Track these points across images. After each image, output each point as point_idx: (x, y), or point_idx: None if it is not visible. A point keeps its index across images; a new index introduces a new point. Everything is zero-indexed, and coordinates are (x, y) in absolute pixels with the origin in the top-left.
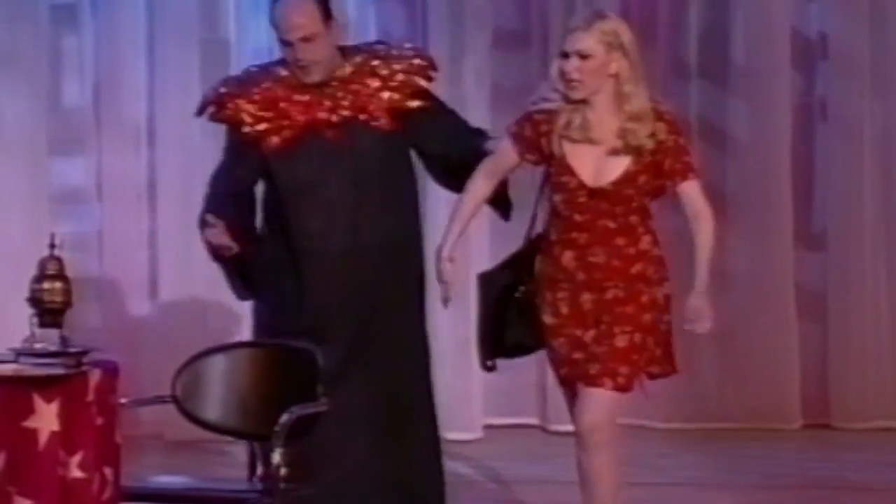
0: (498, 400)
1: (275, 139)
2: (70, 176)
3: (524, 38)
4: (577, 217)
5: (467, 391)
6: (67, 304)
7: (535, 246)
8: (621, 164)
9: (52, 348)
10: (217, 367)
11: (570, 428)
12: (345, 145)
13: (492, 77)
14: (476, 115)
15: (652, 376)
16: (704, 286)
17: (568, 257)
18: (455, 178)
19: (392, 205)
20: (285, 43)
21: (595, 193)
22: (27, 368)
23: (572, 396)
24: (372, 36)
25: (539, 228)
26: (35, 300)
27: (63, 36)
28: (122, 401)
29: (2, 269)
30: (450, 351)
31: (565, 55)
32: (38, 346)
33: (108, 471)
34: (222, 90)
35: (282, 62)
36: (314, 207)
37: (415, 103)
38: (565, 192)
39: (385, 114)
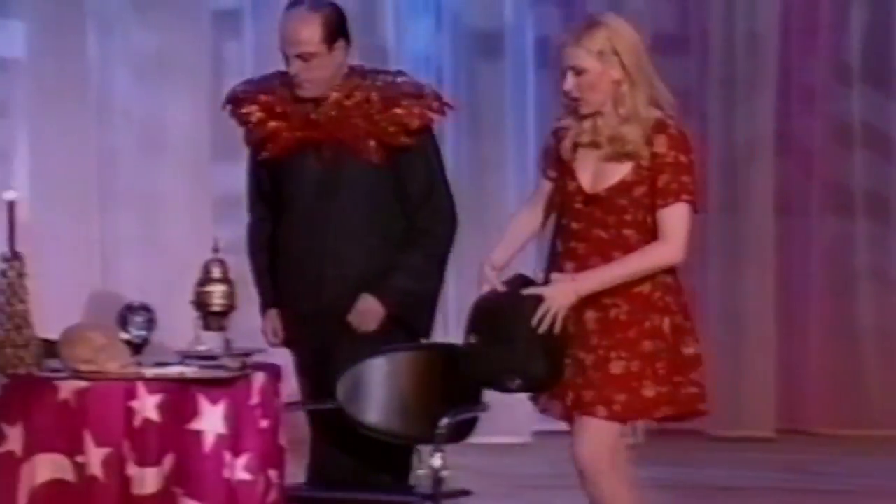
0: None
1: (273, 147)
2: (232, 181)
3: (683, 42)
4: (574, 225)
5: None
6: (231, 307)
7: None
8: (620, 172)
9: (217, 351)
10: (379, 370)
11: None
12: (334, 171)
13: None
14: None
15: (665, 419)
16: (581, 284)
17: (569, 269)
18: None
19: (373, 237)
20: (285, 56)
21: (591, 200)
22: (192, 371)
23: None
24: (528, 41)
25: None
26: (199, 303)
27: (225, 41)
28: (287, 402)
29: (166, 272)
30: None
31: (563, 72)
32: (202, 348)
33: (272, 473)
34: (239, 89)
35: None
36: (296, 226)
37: (401, 141)
38: (565, 196)
39: (375, 148)
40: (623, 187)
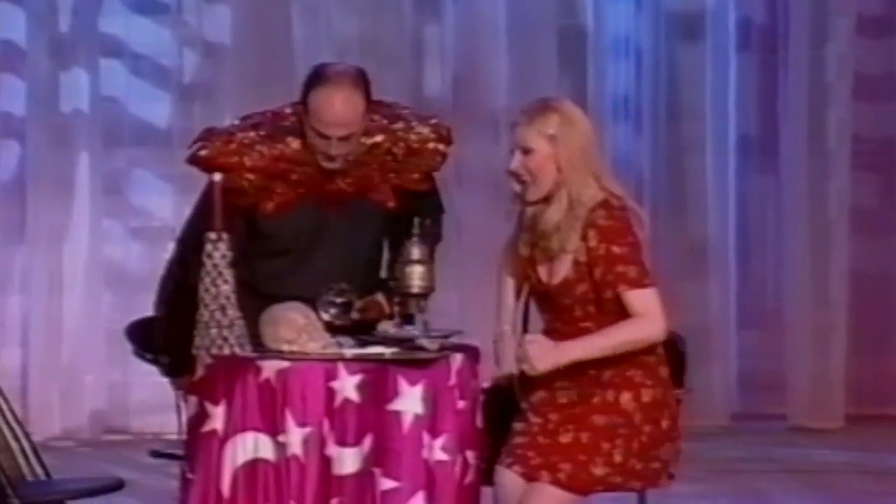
0: (861, 389)
1: (270, 204)
2: None
3: (889, 23)
4: (543, 316)
5: (828, 379)
6: (430, 288)
7: None
8: (563, 269)
9: (416, 332)
10: None
11: None
12: (343, 219)
13: (855, 65)
14: (839, 105)
15: (639, 489)
16: (563, 354)
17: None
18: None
19: (369, 277)
20: (319, 133)
21: (549, 292)
22: (391, 352)
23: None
24: (730, 22)
25: None
26: (398, 284)
27: (425, 24)
28: (484, 385)
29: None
30: (809, 338)
31: (512, 151)
32: (401, 329)
33: (469, 454)
34: (216, 145)
35: (292, 130)
36: (296, 274)
37: (423, 186)
38: (531, 290)
39: (391, 194)
40: (566, 286)
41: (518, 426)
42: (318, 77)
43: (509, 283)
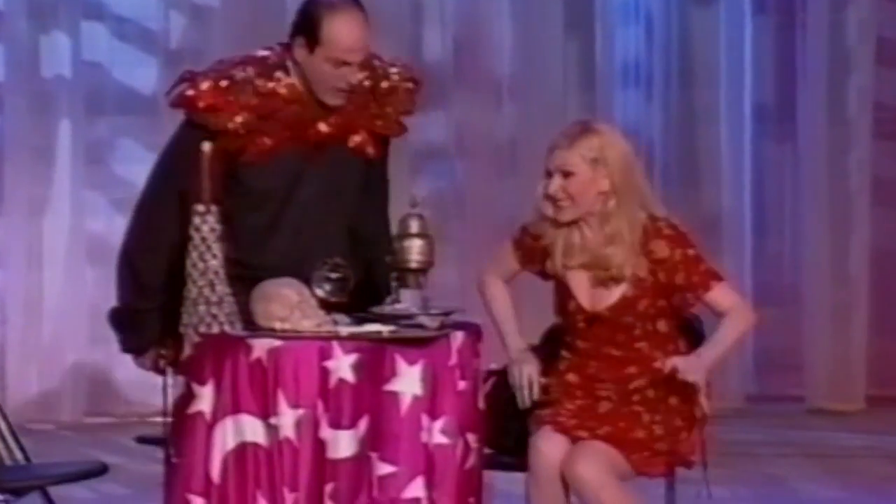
0: (883, 370)
1: (254, 150)
2: (429, 132)
3: None
4: (580, 343)
5: (848, 359)
6: (429, 263)
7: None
8: (619, 289)
9: (414, 309)
10: None
11: None
12: (322, 167)
13: (878, 29)
14: (860, 71)
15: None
16: (706, 359)
17: (573, 379)
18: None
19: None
20: (338, 62)
21: (593, 319)
22: (389, 330)
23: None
24: None
25: None
26: (396, 259)
27: None
28: (493, 367)
29: None
30: (828, 316)
31: (549, 174)
32: (399, 306)
33: (471, 437)
34: (205, 85)
35: (280, 66)
36: (274, 231)
37: (397, 131)
38: (565, 316)
39: (370, 138)
40: (626, 304)
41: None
42: (327, 6)
43: (504, 293)
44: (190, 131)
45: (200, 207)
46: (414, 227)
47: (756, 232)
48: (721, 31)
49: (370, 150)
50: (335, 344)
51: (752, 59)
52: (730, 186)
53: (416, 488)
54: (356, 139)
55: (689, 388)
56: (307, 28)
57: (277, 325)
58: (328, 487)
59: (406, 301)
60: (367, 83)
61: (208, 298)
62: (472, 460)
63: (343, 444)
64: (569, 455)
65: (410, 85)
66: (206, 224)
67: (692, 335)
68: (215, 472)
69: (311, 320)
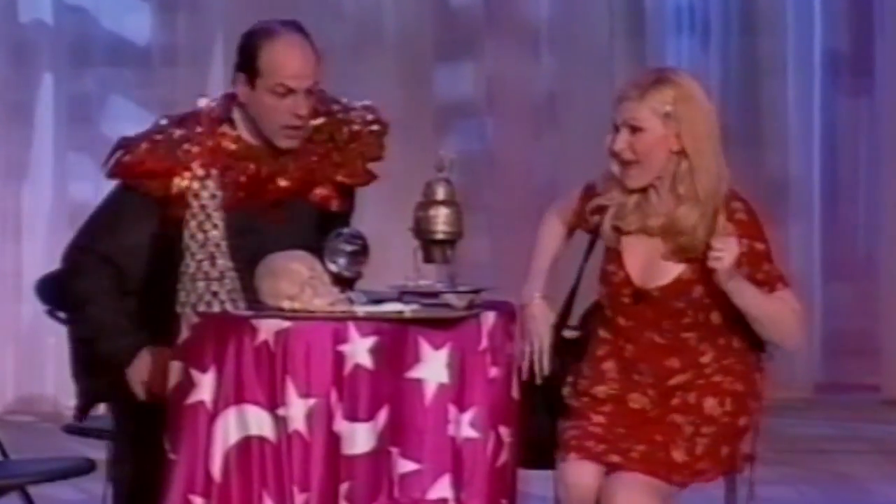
0: None
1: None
2: (457, 85)
3: None
4: (621, 321)
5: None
6: (458, 234)
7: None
8: (675, 269)
9: (440, 286)
10: None
11: None
12: (280, 224)
13: None
14: None
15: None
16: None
17: (609, 367)
18: None
19: None
20: (282, 91)
21: (640, 296)
22: (412, 310)
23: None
24: None
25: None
26: (420, 230)
27: None
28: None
29: (381, 193)
30: None
31: (616, 128)
32: (423, 283)
33: (503, 430)
34: (143, 148)
35: (224, 120)
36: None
37: (363, 180)
38: (609, 286)
39: (335, 191)
40: (678, 287)
41: (568, 423)
42: (264, 34)
43: (558, 236)
44: (126, 194)
45: (200, 171)
46: (440, 193)
47: (826, 198)
48: None
49: (335, 203)
50: (351, 325)
51: (822, 2)
52: (797, 147)
53: (442, 488)
54: (319, 192)
55: (732, 391)
56: (246, 61)
57: (286, 305)
58: (343, 487)
59: (431, 277)
60: (328, 129)
61: (208, 274)
62: (504, 456)
63: (360, 438)
64: (605, 489)
65: (376, 127)
66: (206, 189)
67: (749, 333)
68: (216, 469)
69: (323, 298)
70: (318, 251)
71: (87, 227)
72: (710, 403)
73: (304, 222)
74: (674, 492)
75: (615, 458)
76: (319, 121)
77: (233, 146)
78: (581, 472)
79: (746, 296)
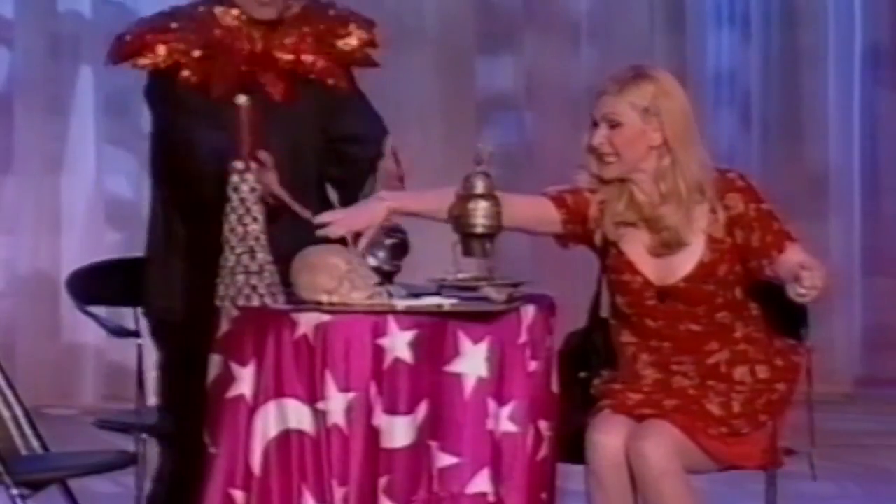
0: None
1: (216, 90)
2: (496, 79)
3: None
4: (651, 323)
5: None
6: (497, 227)
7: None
8: (693, 255)
9: (480, 280)
10: None
11: None
12: (289, 106)
13: None
14: None
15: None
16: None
17: (644, 361)
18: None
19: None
20: None
21: (667, 294)
22: (451, 304)
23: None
24: None
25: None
26: (458, 223)
27: None
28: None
29: (420, 185)
30: None
31: (595, 123)
32: (462, 276)
33: (543, 425)
34: (147, 34)
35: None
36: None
37: (359, 67)
38: (630, 295)
39: (333, 65)
40: (704, 271)
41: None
42: None
43: (545, 207)
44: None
45: (239, 164)
46: (479, 186)
47: (867, 192)
48: None
49: (337, 77)
50: (390, 319)
51: None
52: (838, 140)
53: (482, 482)
54: (319, 65)
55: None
56: None
57: (324, 299)
58: (382, 481)
59: (470, 270)
60: (312, 16)
61: (247, 267)
62: (544, 450)
63: (399, 432)
64: (634, 432)
65: (363, 34)
66: (246, 183)
67: (794, 306)
68: (255, 463)
69: (361, 291)
70: (328, 132)
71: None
72: (740, 371)
73: (312, 100)
74: (700, 464)
75: (648, 411)
76: (297, 9)
77: (234, 22)
78: (610, 429)
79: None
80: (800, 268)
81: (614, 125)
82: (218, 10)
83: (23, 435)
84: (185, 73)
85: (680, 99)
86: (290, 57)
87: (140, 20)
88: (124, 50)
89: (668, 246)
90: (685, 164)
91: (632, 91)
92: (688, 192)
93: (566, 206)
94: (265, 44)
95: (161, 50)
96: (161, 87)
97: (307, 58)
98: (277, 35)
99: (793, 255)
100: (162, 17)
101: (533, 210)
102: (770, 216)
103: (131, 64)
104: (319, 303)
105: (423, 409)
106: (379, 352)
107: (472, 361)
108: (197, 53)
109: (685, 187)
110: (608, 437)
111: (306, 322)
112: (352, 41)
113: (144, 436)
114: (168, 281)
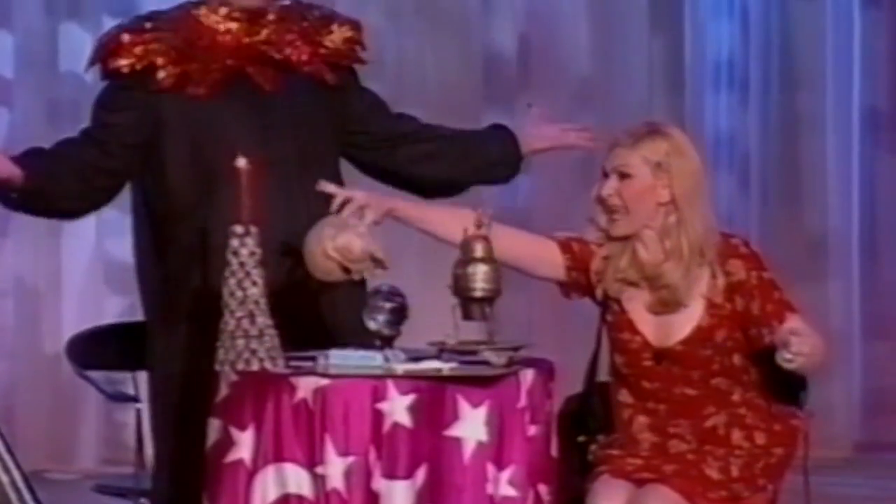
0: None
1: (198, 89)
2: None
3: None
4: (646, 384)
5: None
6: (496, 291)
7: (601, 391)
8: (691, 319)
9: (480, 344)
10: None
11: None
12: (283, 98)
13: None
14: None
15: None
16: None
17: (641, 424)
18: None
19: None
20: None
21: (663, 356)
22: (450, 368)
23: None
24: None
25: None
26: (458, 287)
27: None
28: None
29: (416, 250)
30: None
31: (605, 174)
32: (462, 340)
33: (542, 489)
34: (124, 34)
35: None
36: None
37: (346, 62)
38: (627, 355)
39: (323, 64)
40: (701, 335)
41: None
42: None
43: (550, 248)
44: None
45: (238, 229)
46: (478, 250)
47: (866, 256)
48: (827, 26)
49: (327, 75)
50: (389, 383)
51: (861, 59)
52: (836, 203)
53: None
54: (308, 68)
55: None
56: None
57: (328, 245)
58: None
59: (469, 334)
60: (297, 12)
61: (247, 332)
62: None
63: (398, 496)
64: (634, 497)
65: (349, 32)
66: (245, 247)
67: (764, 364)
68: None
69: (363, 238)
70: (320, 124)
71: None
72: (737, 435)
73: (303, 93)
74: None
75: (648, 475)
76: (286, 2)
77: (216, 20)
78: (612, 494)
79: (815, 344)
80: (789, 333)
81: (625, 177)
82: (198, 10)
83: (21, 500)
84: (161, 74)
85: (692, 159)
86: (277, 52)
87: (118, 25)
88: (101, 52)
89: (665, 304)
90: (690, 223)
91: (646, 145)
92: (690, 253)
93: (571, 251)
94: (250, 39)
95: (138, 50)
96: (126, 94)
97: (295, 52)
98: (262, 32)
99: (791, 325)
100: (139, 20)
101: (536, 248)
102: (772, 285)
103: (110, 67)
104: (315, 361)
105: (422, 474)
106: (378, 416)
107: (471, 425)
108: (175, 53)
109: (688, 247)
110: (609, 502)
111: (305, 386)
112: (337, 38)
113: (143, 500)
114: (168, 345)
